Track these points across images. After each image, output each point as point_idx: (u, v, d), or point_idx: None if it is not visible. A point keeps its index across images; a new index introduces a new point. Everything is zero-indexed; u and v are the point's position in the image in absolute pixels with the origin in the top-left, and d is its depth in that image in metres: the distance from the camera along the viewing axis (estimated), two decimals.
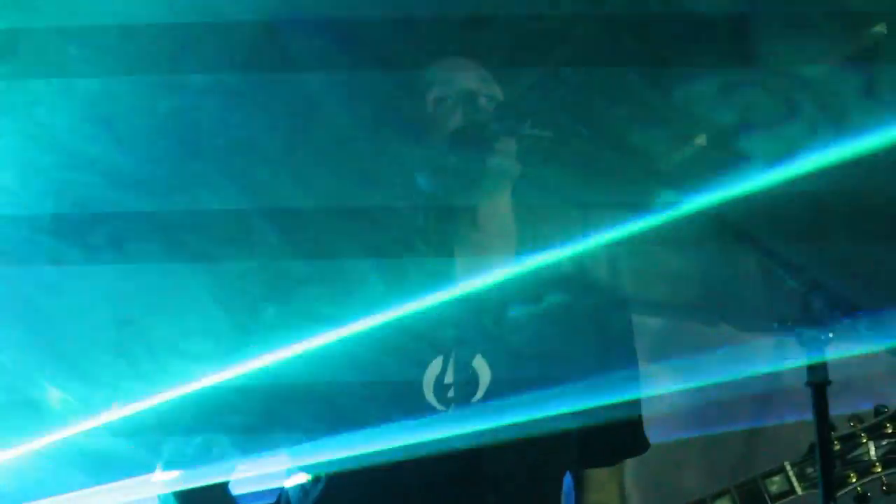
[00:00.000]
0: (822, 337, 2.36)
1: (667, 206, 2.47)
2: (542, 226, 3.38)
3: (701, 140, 3.43)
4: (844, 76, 3.05)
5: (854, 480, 2.50)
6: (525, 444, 2.60)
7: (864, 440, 2.52)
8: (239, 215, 2.94)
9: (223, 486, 2.72)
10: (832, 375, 2.27)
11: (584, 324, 2.72)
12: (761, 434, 3.16)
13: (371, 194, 2.74)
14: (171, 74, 2.82)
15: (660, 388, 2.73)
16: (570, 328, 2.70)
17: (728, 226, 2.62)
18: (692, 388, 2.68)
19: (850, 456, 2.52)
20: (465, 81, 2.68)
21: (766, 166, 2.89)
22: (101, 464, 3.08)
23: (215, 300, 2.84)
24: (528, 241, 2.80)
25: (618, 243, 3.49)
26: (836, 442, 2.51)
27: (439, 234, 2.69)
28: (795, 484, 2.52)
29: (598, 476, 2.78)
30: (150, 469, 2.72)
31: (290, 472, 2.73)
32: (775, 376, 3.82)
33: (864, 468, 2.51)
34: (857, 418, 2.54)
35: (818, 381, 2.22)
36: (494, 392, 2.63)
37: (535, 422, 2.59)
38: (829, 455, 2.20)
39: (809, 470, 2.51)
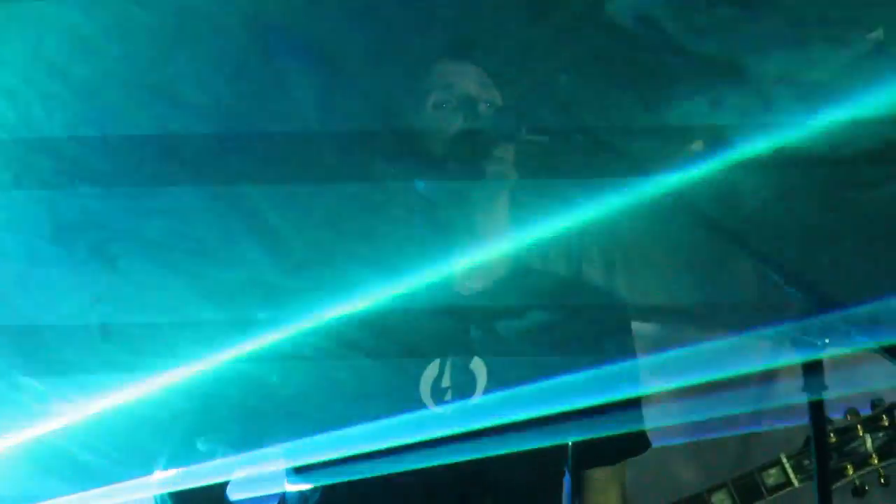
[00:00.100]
0: (818, 343, 2.38)
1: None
2: (538, 231, 3.39)
3: (698, 145, 3.44)
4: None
5: (851, 472, 2.50)
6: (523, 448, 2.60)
7: (861, 433, 2.53)
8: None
9: (220, 493, 2.72)
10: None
11: (570, 341, 2.71)
12: (759, 435, 3.16)
13: (369, 198, 2.74)
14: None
15: (657, 385, 2.72)
16: (554, 345, 2.70)
17: (724, 231, 2.63)
18: (689, 384, 2.68)
19: (846, 448, 2.52)
20: (465, 87, 2.68)
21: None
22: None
23: (204, 298, 2.83)
24: (523, 246, 2.81)
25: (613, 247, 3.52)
26: (832, 435, 2.52)
27: (437, 238, 2.70)
28: (792, 476, 2.52)
29: (600, 476, 2.77)
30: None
31: (289, 479, 2.72)
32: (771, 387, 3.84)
33: (861, 460, 2.52)
34: (853, 411, 2.54)
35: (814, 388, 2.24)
36: (492, 393, 2.63)
37: (534, 423, 2.59)
38: (824, 447, 2.21)
39: (806, 462, 2.51)
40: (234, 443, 2.64)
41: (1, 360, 2.98)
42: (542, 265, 3.28)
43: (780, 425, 2.86)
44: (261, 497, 2.83)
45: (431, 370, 2.65)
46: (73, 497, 2.82)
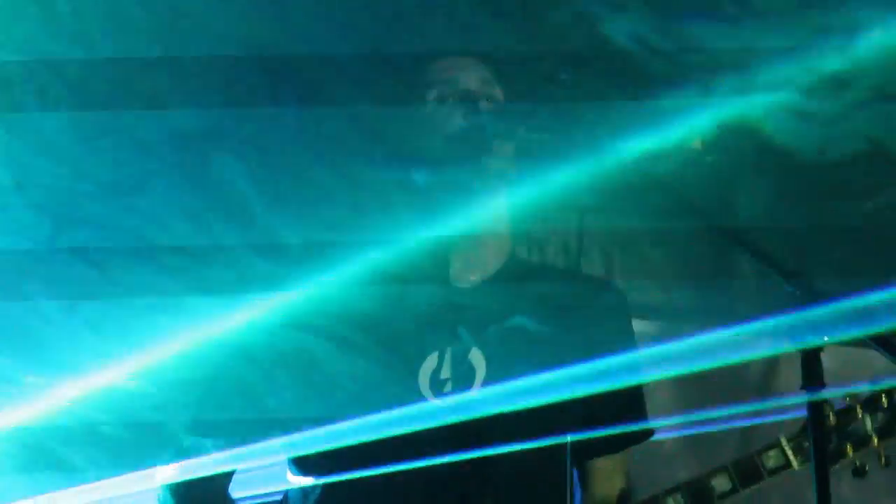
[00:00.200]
0: (817, 340, 2.38)
1: None
2: (537, 229, 3.40)
3: (697, 144, 3.45)
4: None
5: (851, 453, 2.50)
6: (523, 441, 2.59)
7: (860, 413, 2.52)
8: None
9: (223, 489, 2.71)
10: None
11: (568, 331, 2.71)
12: (758, 427, 3.15)
13: (367, 190, 2.74)
14: None
15: (657, 372, 2.72)
16: (551, 335, 2.70)
17: (722, 230, 2.64)
18: (688, 372, 2.67)
19: (846, 429, 2.52)
20: (467, 82, 2.68)
21: None
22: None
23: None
24: (521, 244, 2.82)
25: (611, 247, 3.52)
26: (831, 416, 2.51)
27: (435, 233, 2.70)
28: (791, 458, 2.51)
29: (603, 466, 2.76)
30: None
31: (290, 469, 2.72)
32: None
33: (861, 441, 2.51)
34: (852, 392, 2.54)
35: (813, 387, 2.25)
36: (491, 385, 2.63)
37: (534, 414, 2.58)
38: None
39: (806, 444, 2.50)
40: (224, 436, 2.63)
41: None
42: (539, 258, 3.29)
43: (779, 418, 2.85)
44: (263, 494, 2.83)
45: (430, 362, 2.65)
46: (70, 491, 2.81)
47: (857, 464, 2.50)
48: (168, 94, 2.74)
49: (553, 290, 2.77)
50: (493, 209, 2.73)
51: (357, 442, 2.58)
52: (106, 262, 2.81)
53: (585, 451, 2.74)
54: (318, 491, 2.66)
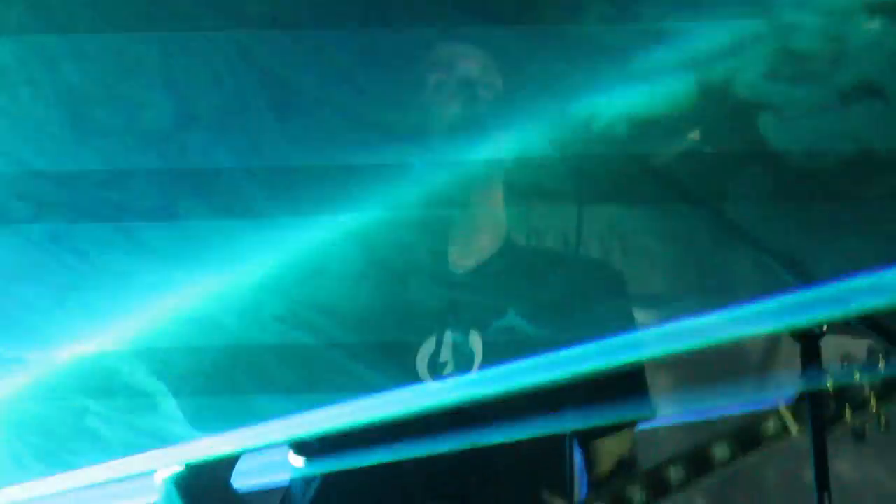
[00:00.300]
0: (816, 331, 2.39)
1: None
2: (533, 219, 3.41)
3: (695, 135, 3.46)
4: None
5: (850, 417, 2.49)
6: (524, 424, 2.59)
7: (858, 377, 2.51)
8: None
9: (225, 478, 2.71)
10: None
11: (565, 312, 2.71)
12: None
13: (366, 177, 2.74)
14: None
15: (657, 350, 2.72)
16: (549, 317, 2.70)
17: (721, 218, 2.65)
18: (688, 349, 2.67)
19: (844, 394, 2.51)
20: (467, 68, 2.69)
21: None
22: None
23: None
24: (516, 233, 2.82)
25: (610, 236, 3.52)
26: (829, 380, 2.50)
27: (431, 220, 2.70)
28: (790, 424, 2.51)
29: (609, 446, 2.75)
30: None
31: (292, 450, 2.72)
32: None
33: (860, 404, 2.50)
34: (849, 357, 2.53)
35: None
36: (490, 367, 2.64)
37: (535, 398, 2.58)
38: (823, 443, 2.23)
39: (804, 410, 2.49)
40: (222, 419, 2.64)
41: None
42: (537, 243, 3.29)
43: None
44: (266, 484, 2.83)
45: (428, 346, 2.66)
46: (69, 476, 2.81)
47: (857, 427, 2.49)
48: None
49: (549, 272, 2.77)
50: (488, 194, 2.74)
51: (356, 424, 2.58)
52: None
53: (590, 432, 2.73)
54: (318, 481, 2.67)
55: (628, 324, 2.74)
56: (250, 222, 2.77)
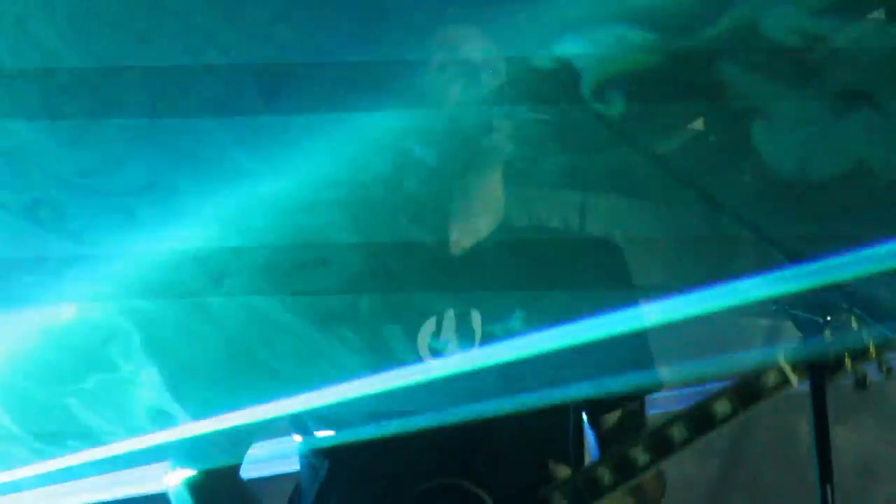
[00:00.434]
0: (819, 321, 2.40)
1: None
2: (531, 206, 3.42)
3: (699, 125, 3.48)
4: None
5: (850, 365, 2.49)
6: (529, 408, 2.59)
7: (856, 326, 2.51)
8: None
9: (234, 472, 2.72)
10: None
11: (566, 288, 2.72)
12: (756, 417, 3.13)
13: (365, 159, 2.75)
14: None
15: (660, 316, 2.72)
16: (550, 294, 2.70)
17: (725, 208, 2.66)
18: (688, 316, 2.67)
19: (844, 344, 2.50)
20: (470, 53, 2.69)
21: None
22: None
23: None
24: (514, 220, 2.84)
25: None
26: (827, 332, 2.50)
27: (431, 203, 2.71)
28: (790, 375, 2.51)
29: (615, 420, 2.75)
30: None
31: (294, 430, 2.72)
32: None
33: (859, 352, 2.50)
34: (847, 310, 2.53)
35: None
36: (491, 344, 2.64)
37: (538, 374, 2.58)
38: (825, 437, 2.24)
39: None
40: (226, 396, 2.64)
41: None
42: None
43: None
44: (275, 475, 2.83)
45: (429, 326, 2.66)
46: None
47: (858, 375, 2.49)
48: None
49: (548, 249, 2.78)
50: (487, 177, 2.75)
51: (357, 398, 2.58)
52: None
53: (598, 407, 2.72)
54: (326, 466, 2.67)
55: (628, 299, 2.74)
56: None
